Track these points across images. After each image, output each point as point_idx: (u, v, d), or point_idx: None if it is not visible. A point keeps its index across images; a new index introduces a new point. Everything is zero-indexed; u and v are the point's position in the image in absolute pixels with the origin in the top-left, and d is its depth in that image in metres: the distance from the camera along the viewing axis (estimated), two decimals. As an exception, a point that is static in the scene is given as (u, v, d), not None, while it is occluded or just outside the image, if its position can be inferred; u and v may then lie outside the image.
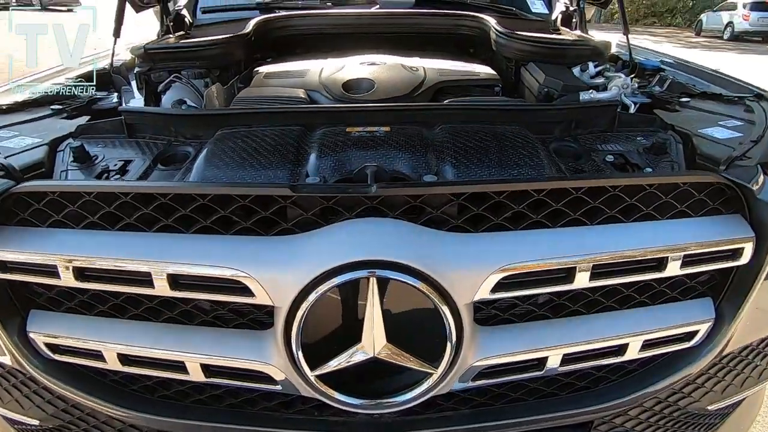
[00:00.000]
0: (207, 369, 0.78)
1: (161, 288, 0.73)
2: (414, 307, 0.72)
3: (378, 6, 1.86)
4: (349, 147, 0.89)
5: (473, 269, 0.71)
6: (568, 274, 0.74)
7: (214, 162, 0.87)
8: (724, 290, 0.85)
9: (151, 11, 1.81)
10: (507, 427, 0.83)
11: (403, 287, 0.69)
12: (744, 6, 14.22)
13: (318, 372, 0.73)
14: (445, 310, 0.70)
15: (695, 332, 0.84)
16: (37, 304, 0.82)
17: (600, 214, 0.77)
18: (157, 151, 1.03)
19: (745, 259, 0.80)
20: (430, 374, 0.74)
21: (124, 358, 0.79)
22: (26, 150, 0.94)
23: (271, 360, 0.75)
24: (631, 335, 0.80)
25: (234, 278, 0.70)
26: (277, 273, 0.70)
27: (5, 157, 0.87)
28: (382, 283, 0.68)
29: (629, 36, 1.50)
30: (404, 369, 0.74)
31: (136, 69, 1.45)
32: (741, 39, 14.29)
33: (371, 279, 0.68)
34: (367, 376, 0.75)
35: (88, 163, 0.96)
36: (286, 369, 0.75)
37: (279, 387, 0.78)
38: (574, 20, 1.90)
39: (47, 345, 0.81)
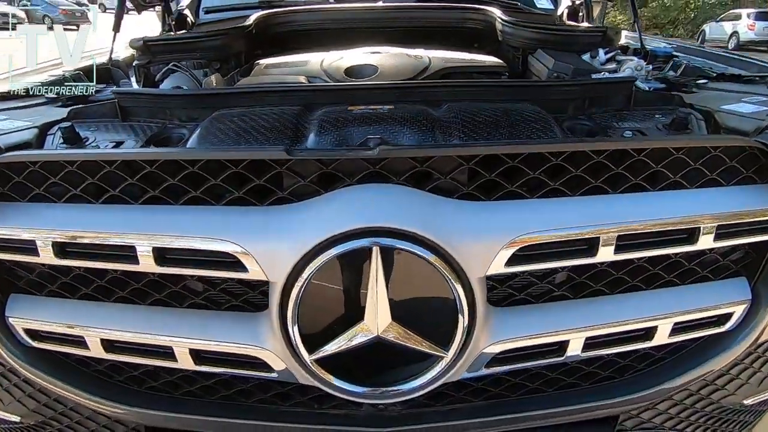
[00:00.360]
0: (196, 355, 0.72)
1: (147, 264, 0.67)
2: (421, 282, 0.65)
3: (381, 0, 1.84)
4: (351, 123, 0.84)
5: (486, 240, 0.65)
6: (591, 245, 0.68)
7: (208, 139, 0.82)
8: (760, 269, 0.78)
9: (153, 13, 1.81)
10: (523, 420, 0.76)
11: (409, 259, 0.63)
12: (749, 16, 14.24)
13: (316, 356, 0.67)
14: (456, 284, 0.64)
15: (730, 314, 0.77)
16: (17, 288, 0.77)
17: (623, 182, 0.71)
18: (151, 133, 0.99)
19: None
20: (440, 358, 0.67)
21: (108, 344, 0.73)
22: (15, 131, 0.90)
23: (265, 344, 0.69)
24: (660, 317, 0.73)
25: (224, 251, 0.65)
26: (270, 244, 0.64)
27: None
28: (386, 255, 0.62)
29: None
30: (411, 355, 0.67)
31: (135, 62, 1.42)
32: (746, 49, 14.27)
33: (374, 249, 0.62)
34: (371, 363, 0.69)
35: (78, 144, 0.92)
36: (282, 353, 0.69)
37: (275, 375, 0.71)
38: (580, 14, 1.86)
39: (27, 331, 0.76)
